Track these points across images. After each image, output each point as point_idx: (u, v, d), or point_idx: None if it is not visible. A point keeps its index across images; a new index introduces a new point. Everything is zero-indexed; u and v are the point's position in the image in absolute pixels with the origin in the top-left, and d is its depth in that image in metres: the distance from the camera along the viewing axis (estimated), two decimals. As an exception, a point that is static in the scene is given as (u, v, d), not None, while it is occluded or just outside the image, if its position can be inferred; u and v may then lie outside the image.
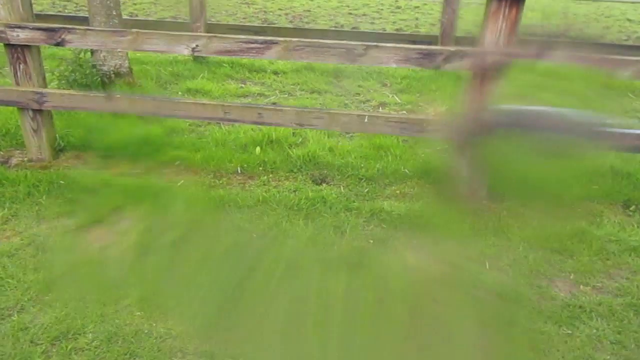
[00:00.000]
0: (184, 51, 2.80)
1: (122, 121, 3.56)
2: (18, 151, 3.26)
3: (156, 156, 3.25)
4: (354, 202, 2.85)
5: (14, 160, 3.13)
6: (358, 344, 1.92)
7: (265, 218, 2.68)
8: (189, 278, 2.17)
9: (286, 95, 4.62)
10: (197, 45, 2.76)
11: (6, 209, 2.63)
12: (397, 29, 7.43)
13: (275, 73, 5.18)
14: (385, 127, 2.86)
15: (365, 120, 2.82)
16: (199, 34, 3.31)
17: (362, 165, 3.22)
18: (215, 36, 2.78)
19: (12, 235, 2.43)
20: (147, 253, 2.32)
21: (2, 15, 2.82)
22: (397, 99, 4.50)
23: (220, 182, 3.05)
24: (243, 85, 4.81)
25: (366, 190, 2.99)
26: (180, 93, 4.45)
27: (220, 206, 2.76)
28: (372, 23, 8.05)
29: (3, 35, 2.81)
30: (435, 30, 6.33)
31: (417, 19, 8.53)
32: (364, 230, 2.63)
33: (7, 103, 3.03)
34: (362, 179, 3.10)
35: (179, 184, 2.99)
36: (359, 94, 4.66)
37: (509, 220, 2.72)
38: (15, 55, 2.88)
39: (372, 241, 2.55)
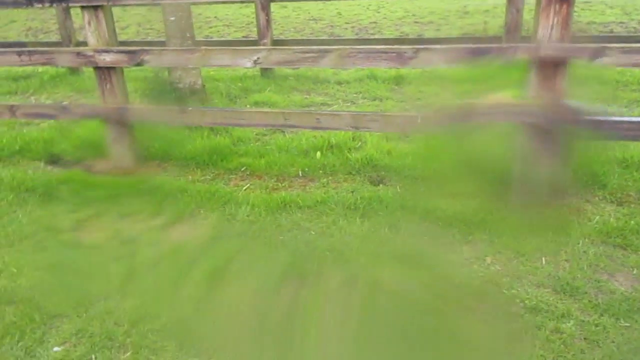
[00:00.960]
0: (247, 64, 3.03)
1: (195, 133, 3.89)
2: (102, 160, 3.64)
3: (224, 164, 3.51)
4: (409, 201, 2.92)
5: (97, 168, 3.51)
6: (411, 338, 1.99)
7: (323, 217, 2.82)
8: (251, 270, 2.36)
9: (348, 104, 4.77)
10: (258, 58, 2.98)
11: (90, 208, 2.97)
12: (463, 34, 7.37)
13: (339, 83, 5.35)
14: (438, 124, 2.91)
15: (419, 120, 2.90)
16: (260, 47, 3.55)
17: (419, 165, 3.28)
18: (274, 48, 3.00)
19: (96, 231, 2.75)
20: (215, 249, 2.54)
21: (92, 42, 3.21)
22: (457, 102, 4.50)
23: (283, 185, 3.24)
24: (307, 96, 5.02)
25: (422, 190, 3.04)
26: (248, 106, 4.74)
27: (282, 207, 2.93)
28: (438, 30, 8.04)
29: (92, 59, 3.20)
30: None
31: (485, 22, 8.39)
32: (419, 228, 2.69)
33: (95, 117, 3.43)
34: (418, 179, 3.16)
35: (244, 188, 3.21)
36: (420, 99, 4.71)
37: (569, 216, 2.67)
38: (103, 76, 3.26)
39: (426, 238, 2.61)
